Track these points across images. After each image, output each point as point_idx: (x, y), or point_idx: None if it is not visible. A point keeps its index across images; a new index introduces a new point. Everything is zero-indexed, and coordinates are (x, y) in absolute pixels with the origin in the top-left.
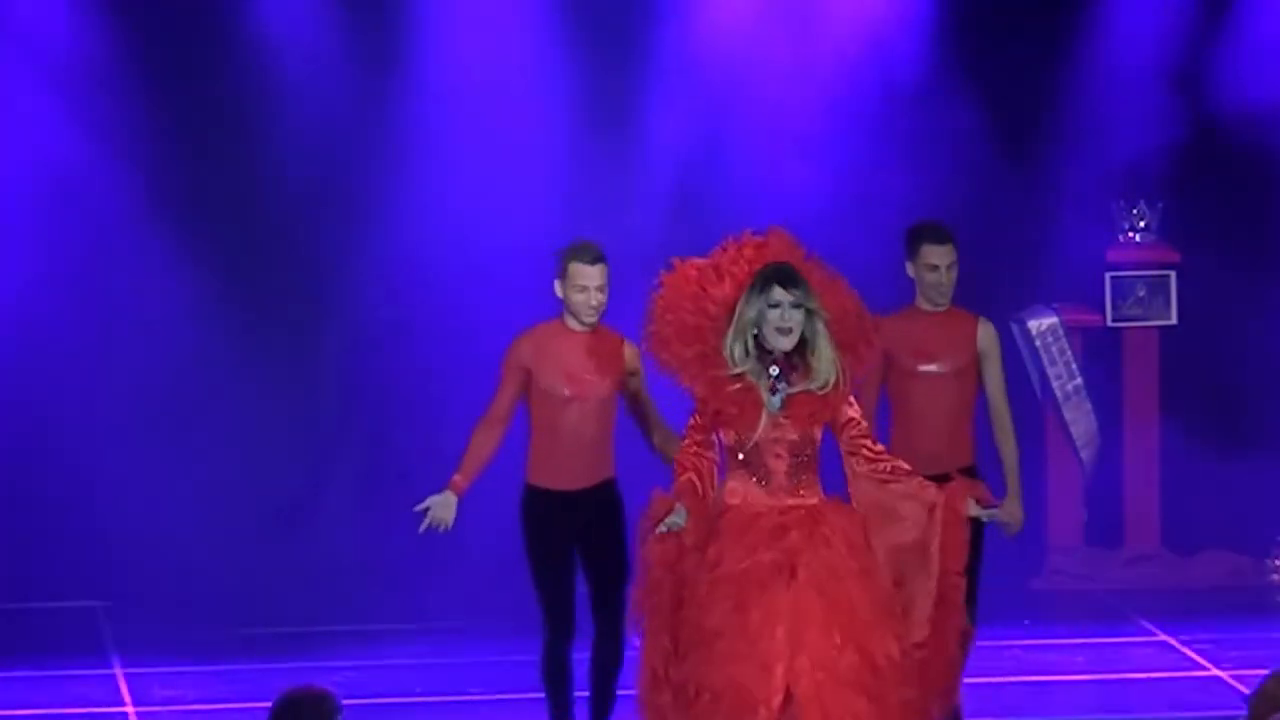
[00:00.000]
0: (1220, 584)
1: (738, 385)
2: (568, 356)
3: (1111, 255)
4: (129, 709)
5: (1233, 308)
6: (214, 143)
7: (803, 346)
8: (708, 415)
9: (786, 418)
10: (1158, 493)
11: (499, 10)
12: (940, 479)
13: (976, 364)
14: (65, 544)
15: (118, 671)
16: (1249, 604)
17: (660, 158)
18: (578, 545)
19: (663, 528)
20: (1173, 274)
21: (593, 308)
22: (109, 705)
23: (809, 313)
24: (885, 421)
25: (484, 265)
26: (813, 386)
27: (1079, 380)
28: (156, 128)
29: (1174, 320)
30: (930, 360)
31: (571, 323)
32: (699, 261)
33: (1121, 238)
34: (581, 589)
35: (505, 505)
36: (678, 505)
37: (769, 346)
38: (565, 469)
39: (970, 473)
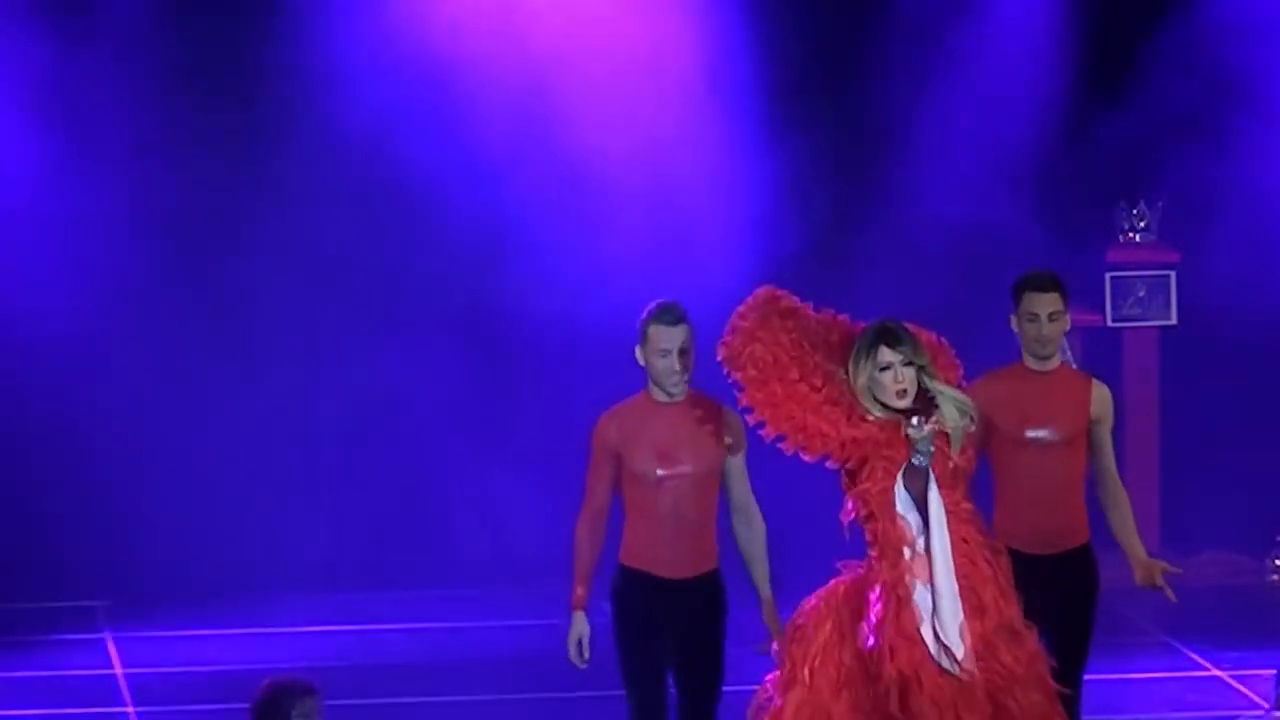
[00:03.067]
0: (1220, 584)
1: (891, 433)
2: (658, 433)
3: (1111, 255)
4: (129, 709)
5: (1233, 308)
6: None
7: (922, 400)
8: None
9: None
10: (1158, 493)
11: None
12: (1054, 560)
13: (1088, 431)
14: (65, 544)
15: (118, 672)
16: (1249, 604)
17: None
18: (671, 642)
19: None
20: (1173, 274)
21: (678, 373)
22: (109, 705)
23: (920, 367)
24: (986, 497)
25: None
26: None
27: None
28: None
29: (1174, 320)
30: (1040, 425)
31: (658, 394)
32: (768, 337)
33: (1121, 238)
34: None
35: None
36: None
37: (891, 407)
38: (663, 555)
39: (1085, 552)
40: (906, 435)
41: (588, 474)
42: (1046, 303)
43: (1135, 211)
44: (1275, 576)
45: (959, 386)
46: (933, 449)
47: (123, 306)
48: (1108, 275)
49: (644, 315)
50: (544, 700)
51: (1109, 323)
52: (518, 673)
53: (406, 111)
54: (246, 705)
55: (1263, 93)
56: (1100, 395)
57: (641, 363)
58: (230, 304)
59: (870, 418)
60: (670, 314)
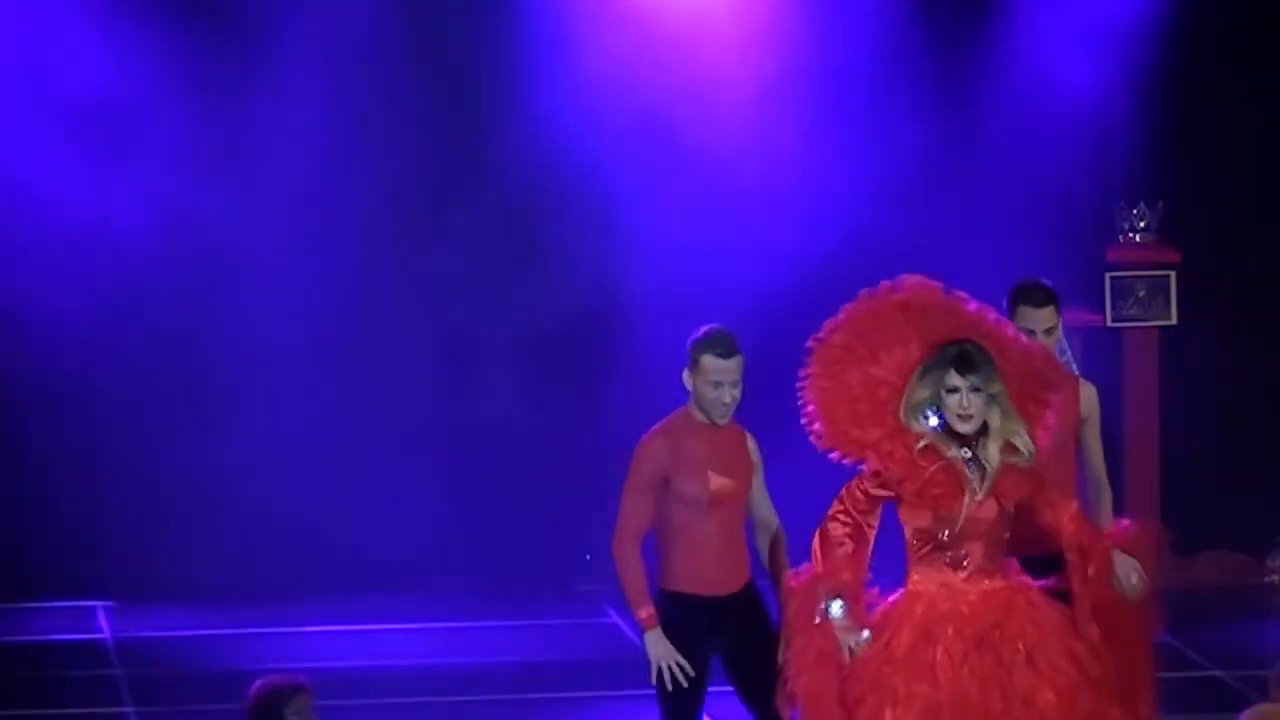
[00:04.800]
0: (1220, 584)
1: (939, 463)
2: (706, 455)
3: (1111, 255)
4: (129, 709)
5: (1233, 308)
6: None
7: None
8: (895, 490)
9: (991, 495)
10: (1158, 493)
11: None
12: (1047, 561)
13: (1078, 432)
14: (65, 544)
15: (118, 672)
16: (1249, 604)
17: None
18: (723, 655)
19: (842, 643)
20: (1173, 274)
21: (726, 405)
22: (109, 705)
23: (990, 395)
24: None
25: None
26: (1015, 460)
27: None
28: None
29: (1174, 320)
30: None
31: (699, 416)
32: (841, 337)
33: (1121, 238)
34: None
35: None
36: (832, 598)
37: (953, 429)
38: (711, 574)
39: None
40: (823, 610)
41: (629, 493)
42: (1043, 317)
43: (1135, 211)
44: (1275, 577)
45: (1045, 411)
46: (850, 644)
47: (124, 308)
48: (1108, 275)
49: (696, 340)
50: (545, 700)
51: (1109, 323)
52: (518, 673)
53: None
54: (242, 705)
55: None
56: (1088, 395)
57: (689, 387)
58: (237, 306)
59: (914, 434)
60: (724, 345)
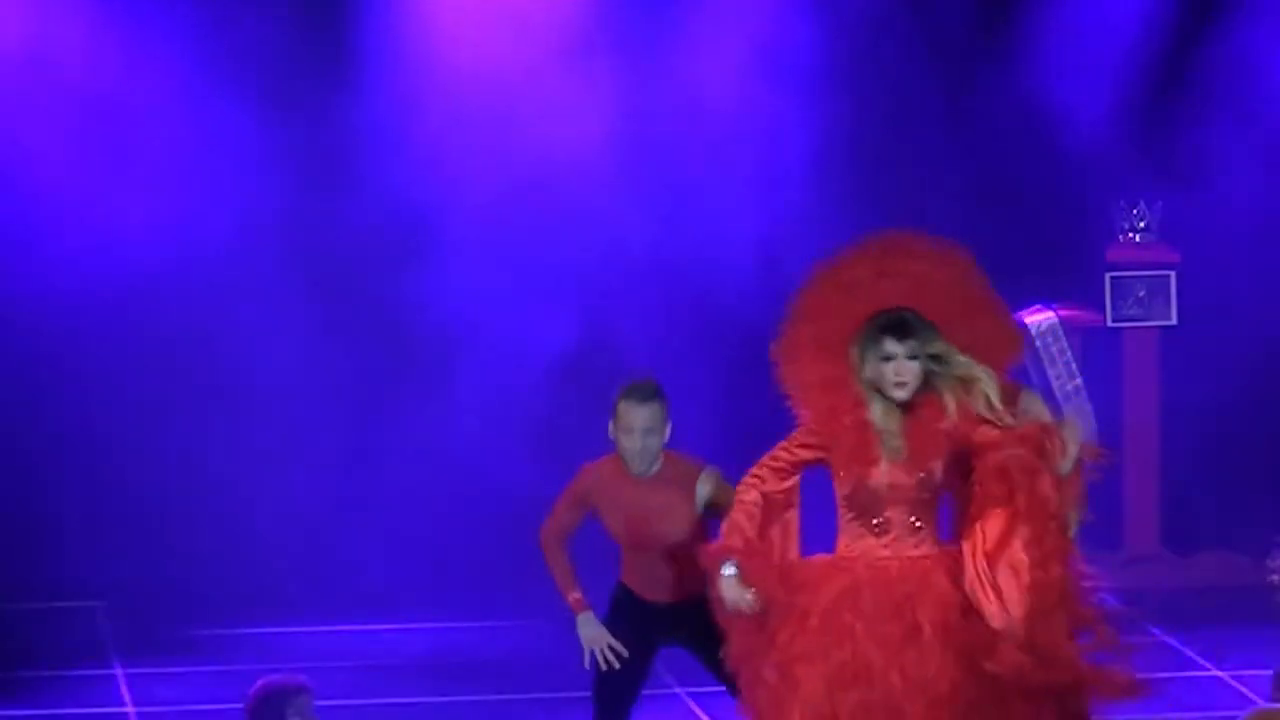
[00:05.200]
0: (1220, 584)
1: (858, 422)
2: (625, 506)
3: (1111, 255)
4: (129, 709)
5: (1233, 308)
6: None
7: (928, 384)
8: (813, 449)
9: (908, 457)
10: (1158, 493)
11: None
12: None
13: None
14: (65, 544)
15: (118, 672)
16: (1249, 604)
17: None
18: (682, 643)
19: (728, 603)
20: (1173, 274)
21: (637, 453)
22: (109, 705)
23: (931, 356)
24: None
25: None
26: (936, 421)
27: (1079, 380)
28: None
29: (1174, 320)
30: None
31: (626, 467)
32: (845, 267)
33: (1121, 238)
34: None
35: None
36: (728, 560)
37: (889, 397)
38: (653, 588)
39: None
40: (721, 574)
41: (561, 501)
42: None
43: (1135, 211)
44: (1275, 577)
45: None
46: (738, 603)
47: (125, 312)
48: (1108, 275)
49: (618, 390)
50: (544, 700)
51: (1109, 323)
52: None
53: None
54: (242, 705)
55: (1261, 92)
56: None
57: (611, 437)
58: (237, 312)
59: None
60: (640, 392)
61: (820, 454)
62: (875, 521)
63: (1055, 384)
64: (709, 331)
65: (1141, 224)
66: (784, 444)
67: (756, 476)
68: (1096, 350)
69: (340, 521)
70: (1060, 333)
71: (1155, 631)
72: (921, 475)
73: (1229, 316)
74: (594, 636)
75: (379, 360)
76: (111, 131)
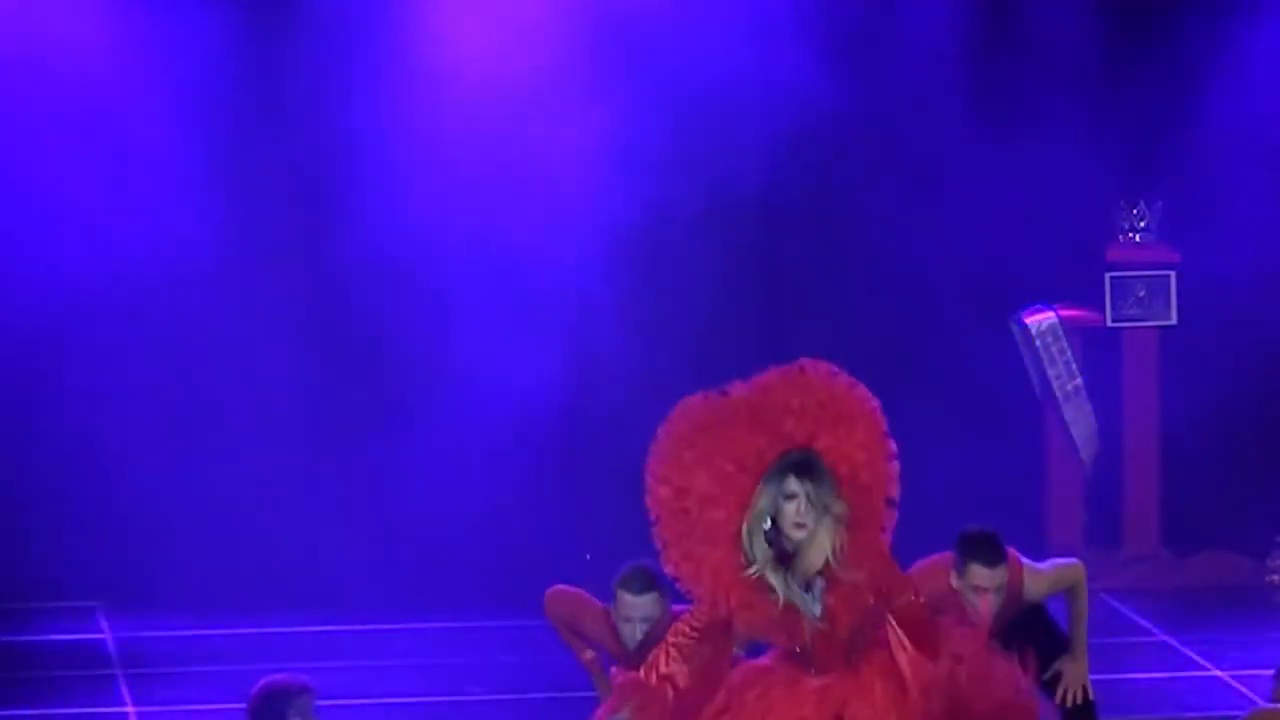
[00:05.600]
0: (1220, 584)
1: (774, 600)
2: (605, 654)
3: (1111, 255)
4: (129, 709)
5: (1233, 308)
6: None
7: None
8: (728, 627)
9: (829, 621)
10: (1158, 493)
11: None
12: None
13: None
14: (65, 544)
15: (118, 672)
16: (1249, 604)
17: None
18: None
19: None
20: (1173, 274)
21: (635, 638)
22: (109, 705)
23: (825, 509)
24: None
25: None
26: (848, 577)
27: (1079, 380)
28: None
29: (1174, 320)
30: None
31: (620, 632)
32: (669, 481)
33: (1121, 238)
34: None
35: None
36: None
37: (784, 539)
38: None
39: (1037, 610)
40: None
41: (567, 605)
42: (995, 576)
43: (1135, 211)
44: (1275, 576)
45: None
46: None
47: (123, 315)
48: (1108, 275)
49: (617, 577)
50: (544, 700)
51: (1109, 323)
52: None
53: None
54: (243, 705)
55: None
56: (1032, 585)
57: (613, 619)
58: (230, 306)
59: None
60: (638, 582)
61: (756, 634)
62: (803, 660)
63: (1055, 384)
64: (703, 360)
65: (1141, 224)
66: (685, 622)
67: (666, 669)
68: (1096, 350)
69: (341, 523)
70: (1060, 333)
71: (1155, 631)
72: (852, 630)
73: (1229, 316)
74: (604, 682)
75: (372, 368)
76: (105, 137)
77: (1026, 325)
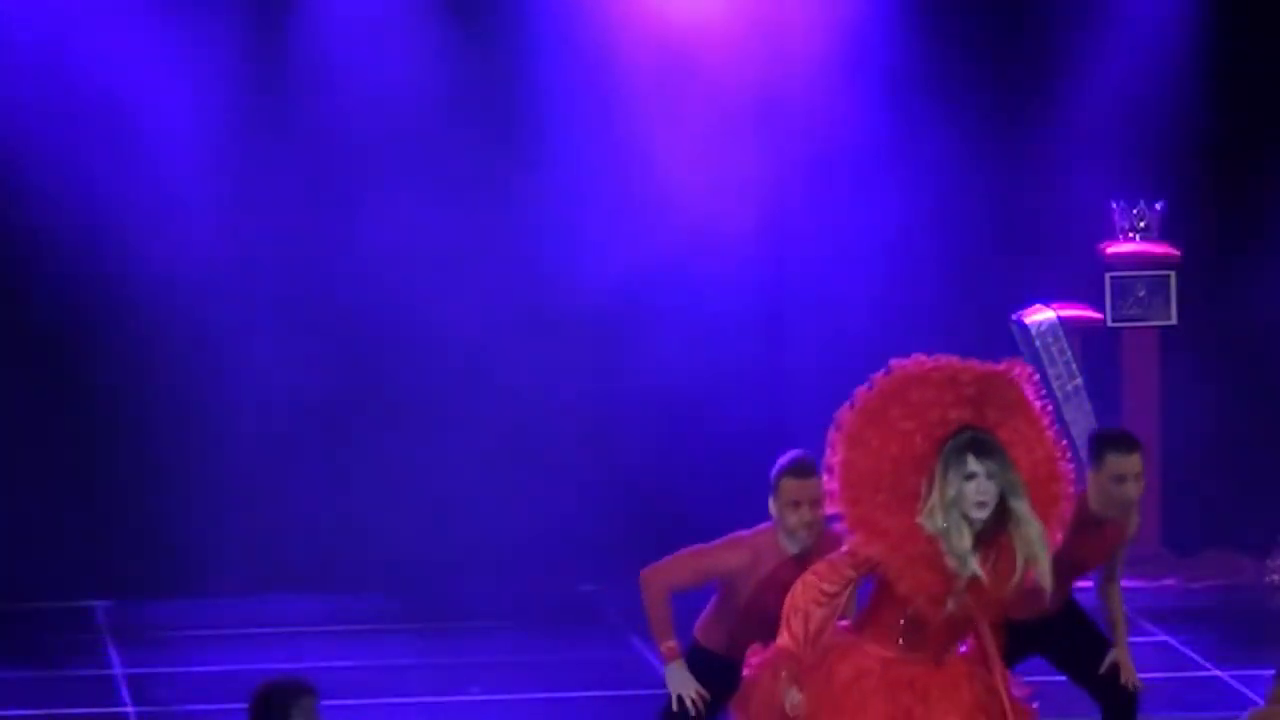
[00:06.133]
0: (1220, 584)
1: (935, 565)
2: (785, 586)
3: (1111, 255)
4: (129, 709)
5: (1233, 308)
6: None
7: (998, 520)
8: (873, 568)
9: (974, 602)
10: (1158, 493)
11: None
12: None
13: (1109, 561)
14: (65, 544)
15: (118, 672)
16: (1249, 604)
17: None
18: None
19: (783, 701)
20: (1173, 274)
21: (807, 525)
22: (109, 705)
23: (1006, 485)
24: None
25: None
26: (1009, 577)
27: (1079, 380)
28: None
29: (1174, 320)
30: (1072, 575)
31: (785, 541)
32: (885, 390)
33: (1121, 238)
34: None
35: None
36: (789, 686)
37: (968, 517)
38: (742, 643)
39: (1070, 604)
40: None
41: (690, 561)
42: (1132, 464)
43: (1135, 211)
44: (1275, 576)
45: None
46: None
47: (122, 307)
48: (1108, 275)
49: (776, 468)
50: (544, 700)
51: (1109, 323)
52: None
53: None
54: (245, 705)
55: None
56: (1132, 525)
57: (773, 514)
58: (226, 302)
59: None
60: (803, 468)
61: (878, 570)
62: (912, 639)
63: (1055, 384)
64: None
65: (1141, 224)
66: (839, 564)
67: (818, 595)
68: (1096, 350)
69: (340, 522)
70: (1060, 333)
71: (1155, 631)
72: (976, 620)
73: (1229, 316)
74: (683, 684)
75: (376, 365)
76: (104, 129)
77: (1026, 325)
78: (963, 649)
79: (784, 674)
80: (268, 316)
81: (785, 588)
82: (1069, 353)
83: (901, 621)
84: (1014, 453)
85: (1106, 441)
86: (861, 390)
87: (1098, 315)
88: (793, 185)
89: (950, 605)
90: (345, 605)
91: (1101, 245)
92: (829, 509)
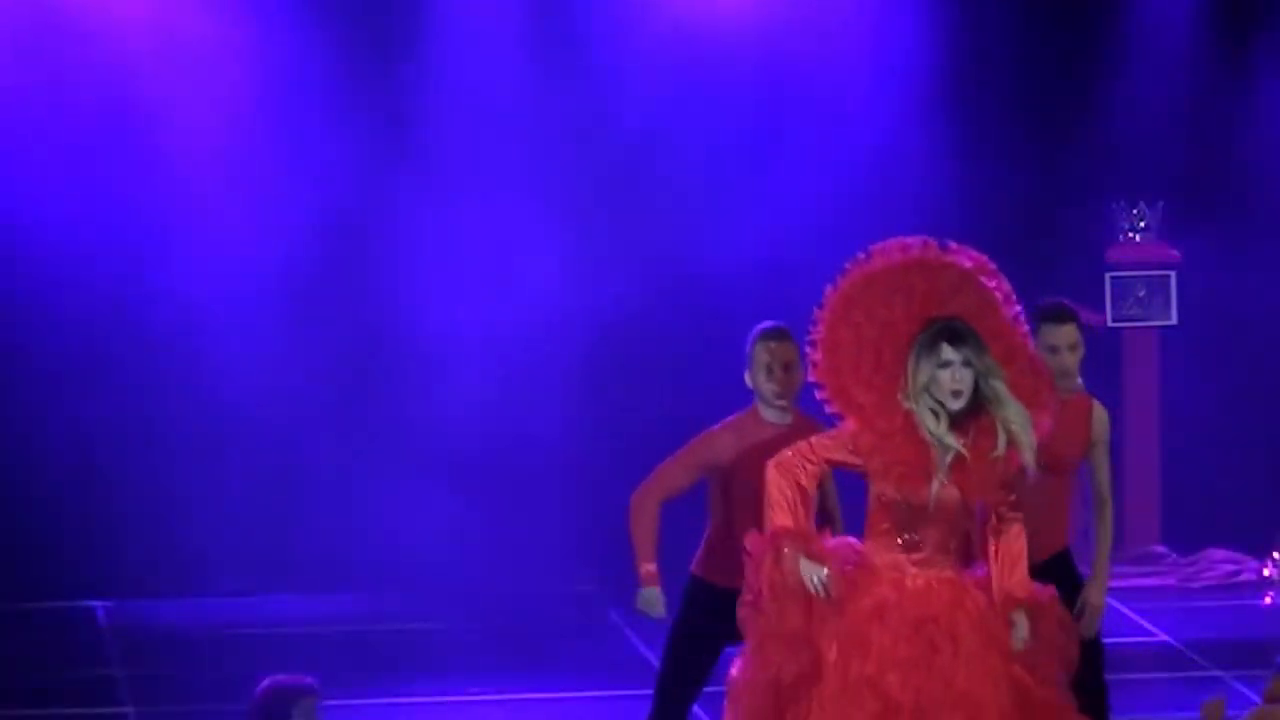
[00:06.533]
0: (1220, 584)
1: (914, 440)
2: (773, 451)
3: (1111, 255)
4: (129, 709)
5: (1233, 308)
6: None
7: (976, 405)
8: (852, 456)
9: (954, 483)
10: (1158, 493)
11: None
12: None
13: (1087, 454)
14: (65, 544)
15: (118, 672)
16: (1249, 604)
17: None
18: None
19: (805, 581)
20: (1173, 274)
21: (782, 389)
22: (109, 706)
23: (981, 372)
24: None
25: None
26: (990, 451)
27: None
28: None
29: (1174, 320)
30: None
31: (766, 413)
32: (854, 289)
33: (1121, 238)
34: None
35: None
36: (800, 559)
37: (944, 406)
38: (738, 559)
39: (1063, 559)
40: (788, 556)
41: (674, 461)
42: (1065, 334)
43: (1135, 211)
44: (1275, 575)
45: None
46: (814, 580)
47: (121, 308)
48: (1108, 275)
49: (750, 336)
50: (544, 700)
51: (1109, 323)
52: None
53: None
54: (246, 706)
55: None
56: (1100, 417)
57: (750, 384)
58: (235, 309)
59: (905, 413)
60: (775, 332)
61: (856, 461)
62: (909, 537)
63: None
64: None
65: (1141, 224)
66: (820, 442)
67: (798, 468)
68: (1096, 350)
69: (341, 522)
70: None
71: (1156, 631)
72: (967, 503)
73: (1229, 316)
74: (650, 605)
75: (370, 365)
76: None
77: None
78: (979, 572)
79: (787, 551)
80: (268, 318)
81: (764, 459)
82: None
83: (896, 520)
84: (989, 342)
85: (1041, 312)
86: (846, 269)
87: (1098, 315)
88: (792, 187)
89: (935, 486)
90: (345, 605)
91: (1101, 245)
92: (811, 377)
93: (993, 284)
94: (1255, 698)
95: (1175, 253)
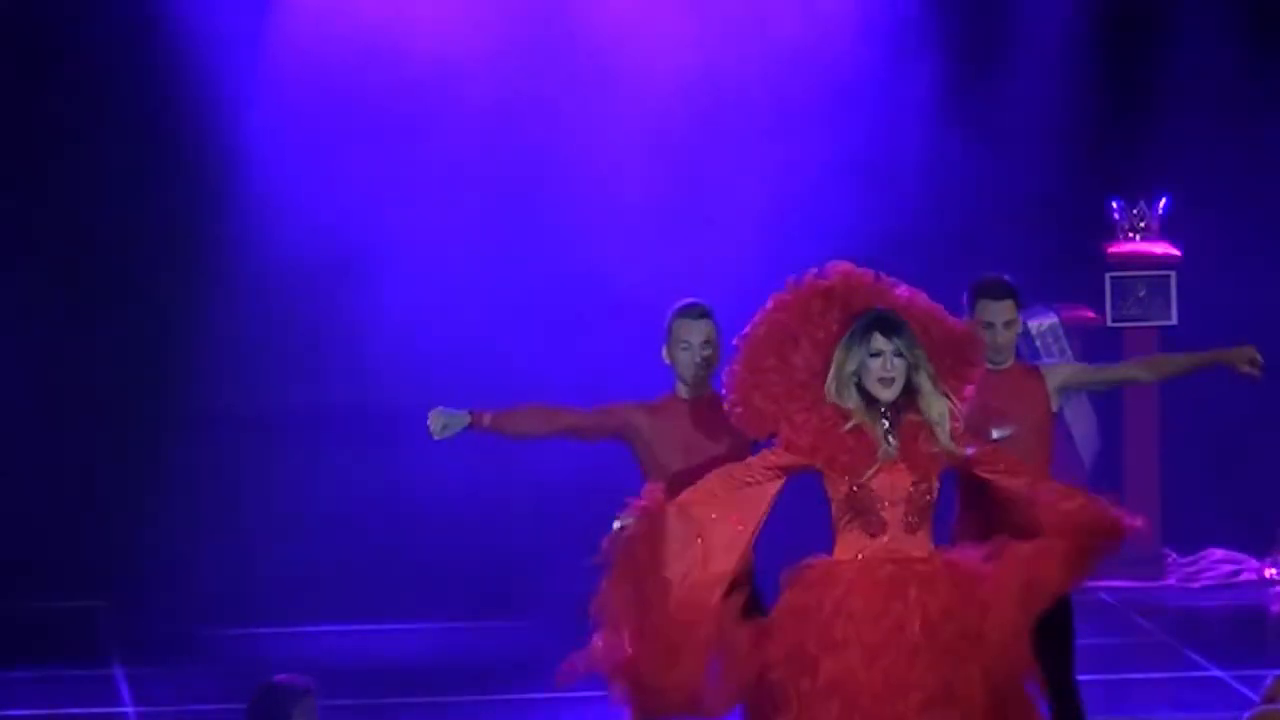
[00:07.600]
0: (1220, 584)
1: (850, 427)
2: (684, 432)
3: (1112, 255)
4: (129, 709)
5: (1233, 308)
6: None
7: (908, 393)
8: (808, 459)
9: (903, 461)
10: (1158, 493)
11: None
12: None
13: (1051, 418)
14: (65, 544)
15: (118, 672)
16: (1249, 604)
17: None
18: None
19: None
20: (1173, 274)
21: (696, 364)
22: (108, 705)
23: (912, 363)
24: (950, 499)
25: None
26: (929, 445)
27: None
28: None
29: (1174, 320)
30: (1004, 423)
31: (682, 390)
32: (763, 329)
33: (1122, 236)
34: None
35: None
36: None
37: (874, 396)
38: None
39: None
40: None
41: (588, 411)
42: (1002, 310)
43: (1135, 211)
44: (1275, 575)
45: (962, 386)
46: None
47: (120, 307)
48: (1108, 275)
49: (669, 315)
50: (543, 700)
51: (1109, 323)
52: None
53: None
54: (245, 706)
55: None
56: (1053, 372)
57: (667, 360)
58: (240, 312)
59: (835, 409)
60: (692, 309)
61: (803, 461)
62: (871, 521)
63: None
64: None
65: (1142, 223)
66: (762, 455)
67: (739, 469)
68: (1096, 350)
69: (341, 522)
70: (1060, 333)
71: (1156, 632)
72: (917, 480)
73: (1229, 316)
74: (439, 420)
75: (383, 369)
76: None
77: (1026, 326)
78: (961, 553)
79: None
80: (269, 320)
81: (684, 436)
82: (1069, 353)
83: (855, 509)
84: (916, 327)
85: (979, 288)
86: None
87: (1098, 315)
88: (788, 184)
89: (879, 467)
90: (345, 605)
91: (1102, 245)
92: (729, 364)
93: (918, 300)
94: (1255, 698)
95: (1175, 253)
